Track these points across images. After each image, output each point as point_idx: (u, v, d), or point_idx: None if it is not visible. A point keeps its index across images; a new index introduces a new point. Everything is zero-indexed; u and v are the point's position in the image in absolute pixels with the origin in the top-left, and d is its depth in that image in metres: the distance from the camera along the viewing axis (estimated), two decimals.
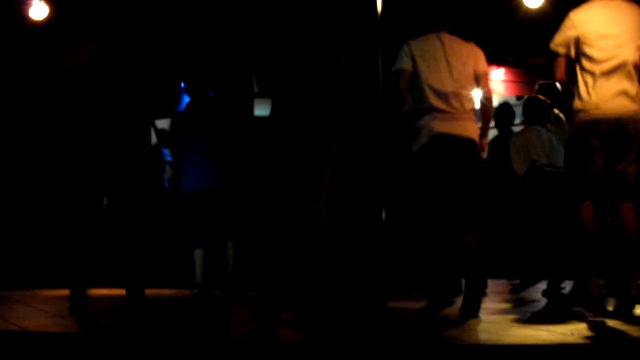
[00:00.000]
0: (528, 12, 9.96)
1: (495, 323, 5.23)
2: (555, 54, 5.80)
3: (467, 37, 6.01)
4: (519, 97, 12.05)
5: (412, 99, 5.85)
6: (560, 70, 5.78)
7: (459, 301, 5.83)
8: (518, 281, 7.98)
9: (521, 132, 7.74)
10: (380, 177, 5.95)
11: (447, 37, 5.89)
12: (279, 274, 4.80)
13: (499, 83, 12.47)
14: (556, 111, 7.98)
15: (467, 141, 5.72)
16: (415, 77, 5.80)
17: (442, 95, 5.71)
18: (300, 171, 5.00)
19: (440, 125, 5.67)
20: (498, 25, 10.30)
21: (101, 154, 5.87)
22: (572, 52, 5.75)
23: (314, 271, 5.22)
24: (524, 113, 7.78)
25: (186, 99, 8.46)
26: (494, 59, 12.02)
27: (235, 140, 8.13)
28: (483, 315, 5.61)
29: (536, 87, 8.23)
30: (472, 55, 5.88)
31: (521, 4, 9.90)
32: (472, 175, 5.75)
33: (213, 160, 7.86)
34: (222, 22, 10.44)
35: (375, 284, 5.83)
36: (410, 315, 5.71)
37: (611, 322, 5.11)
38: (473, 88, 5.88)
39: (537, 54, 11.19)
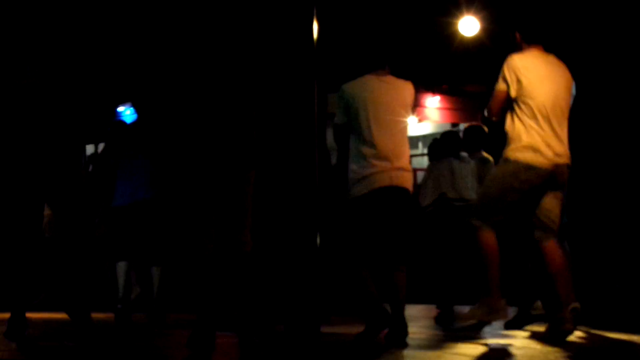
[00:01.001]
0: (464, 40, 10.08)
1: (429, 350, 5.23)
2: None
3: (403, 65, 6.03)
4: (454, 125, 12.19)
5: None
6: None
7: None
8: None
9: (434, 164, 7.82)
10: (315, 203, 5.94)
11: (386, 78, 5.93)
12: (209, 301, 4.82)
13: (435, 110, 12.58)
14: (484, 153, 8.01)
15: (402, 191, 5.79)
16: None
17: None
18: (215, 202, 5.01)
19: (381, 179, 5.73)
20: (434, 53, 10.40)
21: (37, 174, 5.80)
22: None
23: (246, 297, 5.20)
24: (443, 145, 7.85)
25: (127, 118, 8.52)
26: (429, 87, 12.16)
27: (171, 158, 8.15)
28: (414, 342, 5.63)
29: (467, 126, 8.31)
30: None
31: (457, 32, 10.03)
32: (405, 222, 5.83)
33: (147, 175, 7.89)
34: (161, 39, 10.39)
35: (308, 308, 5.81)
36: (344, 340, 5.69)
37: (539, 348, 5.16)
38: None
39: (473, 81, 11.34)
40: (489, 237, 5.80)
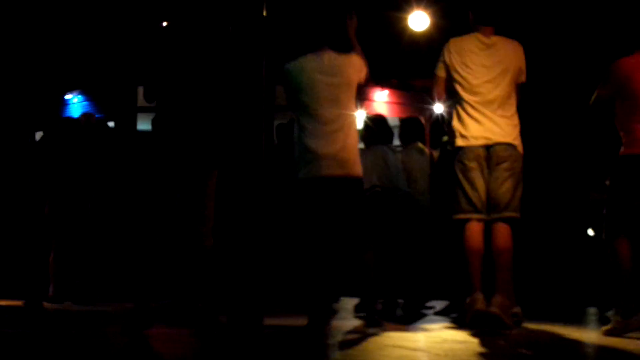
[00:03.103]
0: (413, 35, 10.10)
1: (372, 342, 5.23)
2: None
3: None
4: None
5: None
6: None
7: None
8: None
9: (363, 151, 7.83)
10: (260, 194, 5.93)
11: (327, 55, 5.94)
12: (145, 289, 4.82)
13: (383, 104, 12.59)
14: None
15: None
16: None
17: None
18: (176, 196, 4.99)
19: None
20: (383, 47, 10.40)
21: None
22: None
23: (206, 290, 5.21)
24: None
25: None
26: (378, 81, 12.17)
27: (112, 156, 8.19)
28: (359, 334, 5.62)
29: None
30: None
31: (406, 27, 10.04)
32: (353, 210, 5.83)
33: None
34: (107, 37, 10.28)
35: (251, 300, 5.79)
36: (288, 332, 5.67)
37: (482, 341, 5.20)
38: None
39: (422, 76, 11.36)
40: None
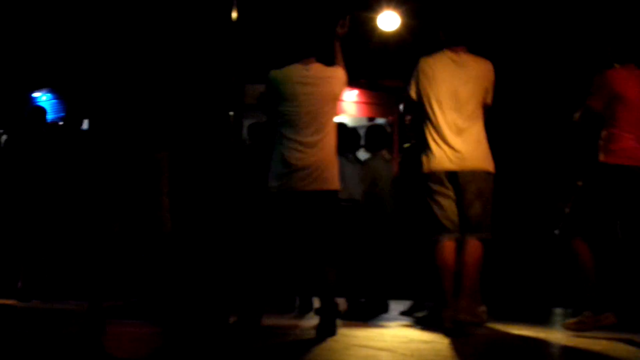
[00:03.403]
0: (383, 35, 10.11)
1: (339, 342, 5.22)
2: None
3: (322, 59, 5.99)
4: (370, 119, 12.18)
5: None
6: None
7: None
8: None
9: None
10: (229, 193, 5.92)
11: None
12: (101, 287, 4.82)
13: (352, 104, 12.57)
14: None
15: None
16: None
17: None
18: (125, 182, 4.97)
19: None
20: (352, 47, 10.40)
21: None
22: None
23: (168, 282, 5.19)
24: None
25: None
26: (347, 81, 12.15)
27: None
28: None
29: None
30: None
31: (376, 27, 10.05)
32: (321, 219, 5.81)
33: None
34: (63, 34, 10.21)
35: (210, 297, 5.80)
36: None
37: (448, 341, 5.20)
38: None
39: (391, 76, 11.38)
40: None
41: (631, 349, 5.26)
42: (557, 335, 5.89)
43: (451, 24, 6.02)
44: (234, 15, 6.10)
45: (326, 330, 5.56)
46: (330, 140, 5.77)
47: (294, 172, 5.66)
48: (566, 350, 5.31)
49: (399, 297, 8.02)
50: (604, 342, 5.46)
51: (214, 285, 5.87)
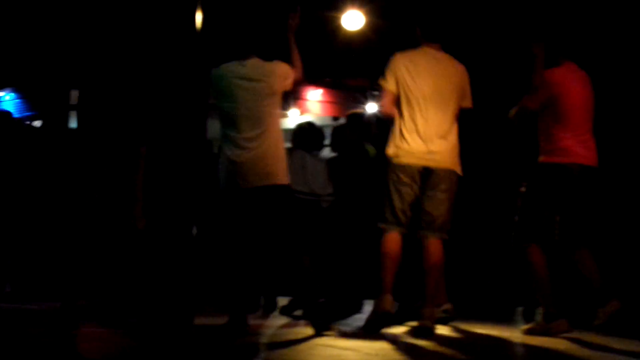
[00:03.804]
0: (347, 34, 10.10)
1: (303, 341, 5.20)
2: None
3: (285, 58, 5.97)
4: (335, 118, 12.19)
5: None
6: None
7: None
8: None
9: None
10: (191, 193, 5.90)
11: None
12: (73, 287, 4.80)
13: (316, 103, 12.57)
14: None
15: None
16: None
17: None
18: (104, 173, 4.96)
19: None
20: (317, 47, 10.39)
21: None
22: None
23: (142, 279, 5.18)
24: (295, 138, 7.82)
25: None
26: (312, 80, 12.15)
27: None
28: (291, 334, 5.60)
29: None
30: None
31: (340, 26, 10.03)
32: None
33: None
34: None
35: (179, 298, 5.76)
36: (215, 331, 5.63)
37: (411, 341, 5.22)
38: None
39: (355, 75, 11.38)
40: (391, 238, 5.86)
41: (593, 347, 5.30)
42: (520, 334, 5.90)
43: (429, 19, 6.03)
44: (199, 17, 6.08)
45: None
46: (270, 136, 5.73)
47: (237, 169, 5.65)
48: (530, 349, 5.33)
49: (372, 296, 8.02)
50: (566, 342, 5.49)
51: (180, 284, 5.82)
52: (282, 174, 5.73)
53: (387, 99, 5.94)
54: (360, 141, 7.67)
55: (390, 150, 5.88)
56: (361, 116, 7.94)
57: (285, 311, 7.05)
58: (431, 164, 5.79)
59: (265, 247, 5.86)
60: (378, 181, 6.14)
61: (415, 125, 5.80)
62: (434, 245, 5.83)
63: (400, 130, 5.85)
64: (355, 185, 7.55)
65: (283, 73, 5.81)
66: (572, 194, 5.89)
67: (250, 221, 5.70)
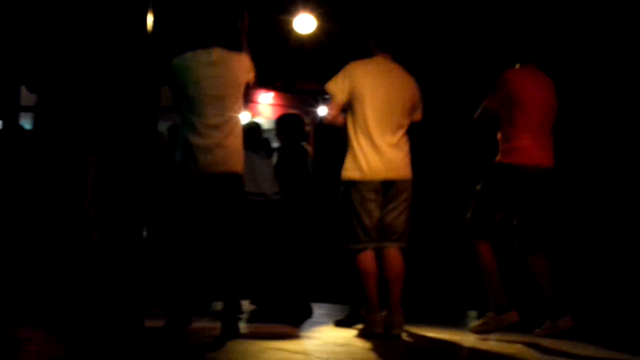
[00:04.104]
0: (299, 37, 10.09)
1: (254, 345, 5.18)
2: None
3: None
4: None
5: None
6: None
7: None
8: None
9: None
10: (140, 195, 5.85)
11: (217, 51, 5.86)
12: (15, 289, 4.78)
13: (268, 107, 12.55)
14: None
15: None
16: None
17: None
18: (53, 180, 4.92)
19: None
20: (268, 49, 10.37)
21: None
22: None
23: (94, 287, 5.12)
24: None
25: None
26: (263, 83, 12.12)
27: None
28: (245, 337, 5.57)
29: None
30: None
31: (292, 29, 10.02)
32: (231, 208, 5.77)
33: None
34: None
35: (128, 301, 5.71)
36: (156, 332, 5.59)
37: (362, 344, 5.21)
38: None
39: (307, 79, 11.38)
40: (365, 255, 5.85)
41: (544, 351, 5.33)
42: (470, 338, 5.93)
43: (382, 28, 6.04)
44: (150, 18, 6.05)
45: (229, 331, 5.54)
46: (233, 126, 5.73)
47: (197, 154, 5.62)
48: (479, 353, 5.35)
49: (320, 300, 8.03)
50: (518, 345, 5.52)
51: (129, 287, 5.77)
52: (239, 165, 5.73)
53: (335, 109, 5.93)
54: (296, 140, 7.71)
55: (349, 172, 5.85)
56: (292, 116, 7.96)
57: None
58: (391, 175, 5.80)
59: (212, 241, 5.79)
60: (337, 202, 6.11)
61: (371, 138, 5.77)
62: (395, 255, 5.86)
63: (356, 149, 5.82)
64: (295, 184, 7.57)
65: (247, 65, 5.81)
66: (525, 194, 5.96)
67: (201, 210, 5.65)
